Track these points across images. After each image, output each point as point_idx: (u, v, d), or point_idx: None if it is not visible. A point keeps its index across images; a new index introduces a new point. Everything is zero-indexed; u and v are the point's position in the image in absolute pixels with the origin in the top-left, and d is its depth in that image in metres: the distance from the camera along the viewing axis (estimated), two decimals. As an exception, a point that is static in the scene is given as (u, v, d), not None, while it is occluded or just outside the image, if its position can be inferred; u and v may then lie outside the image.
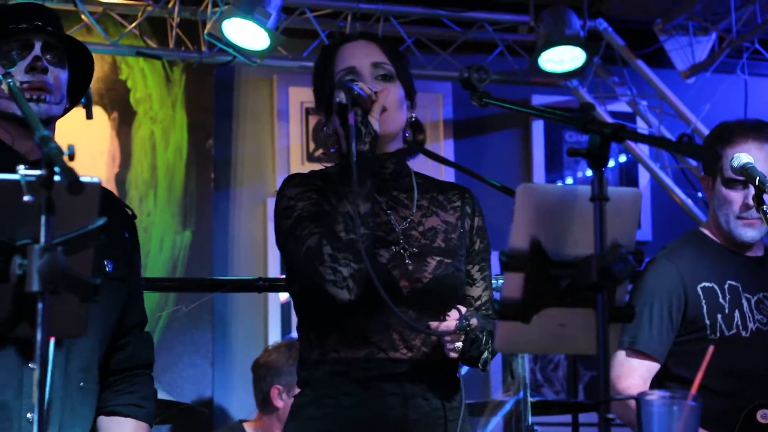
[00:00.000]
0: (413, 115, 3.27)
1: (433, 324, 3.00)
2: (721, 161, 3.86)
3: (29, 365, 3.06)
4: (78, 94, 3.35)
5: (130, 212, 3.43)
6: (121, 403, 3.32)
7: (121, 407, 3.32)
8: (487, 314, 3.24)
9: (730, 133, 3.91)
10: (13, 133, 3.17)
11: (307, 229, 3.06)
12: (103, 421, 3.31)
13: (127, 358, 3.35)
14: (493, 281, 4.70)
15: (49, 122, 3.19)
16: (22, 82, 3.11)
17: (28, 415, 3.05)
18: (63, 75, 3.23)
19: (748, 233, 3.90)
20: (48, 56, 3.19)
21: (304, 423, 3.14)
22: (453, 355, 3.00)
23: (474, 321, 2.99)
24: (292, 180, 3.22)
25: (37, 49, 3.18)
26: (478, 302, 3.26)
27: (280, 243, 3.17)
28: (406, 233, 3.18)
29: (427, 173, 3.39)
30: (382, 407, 3.07)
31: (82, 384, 3.19)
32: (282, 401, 5.60)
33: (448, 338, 2.99)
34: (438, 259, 3.16)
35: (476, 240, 3.28)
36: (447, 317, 2.99)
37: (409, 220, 3.20)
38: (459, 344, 2.99)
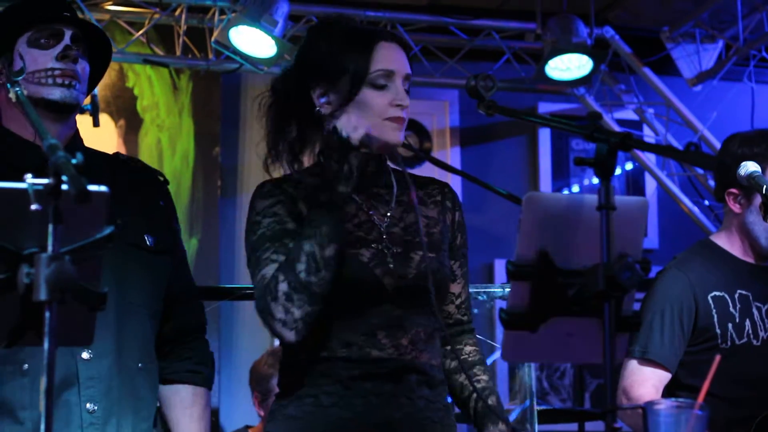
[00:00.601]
0: None
1: None
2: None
3: (82, 355, 3.09)
4: (89, 90, 3.39)
5: (162, 179, 3.45)
6: (177, 369, 3.35)
7: (176, 374, 3.35)
8: (463, 318, 3.24)
9: None
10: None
11: (267, 253, 2.99)
12: (162, 390, 3.33)
13: (179, 326, 3.37)
14: (499, 290, 4.75)
15: (75, 110, 3.24)
16: (53, 69, 3.16)
17: (88, 405, 3.07)
18: (87, 68, 3.27)
19: None
20: (75, 47, 3.22)
21: (285, 422, 3.06)
22: None
23: None
24: (262, 189, 3.15)
25: (67, 38, 3.21)
26: (458, 300, 3.23)
27: (246, 255, 3.10)
28: (388, 231, 3.11)
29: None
30: (364, 406, 3.01)
31: (140, 365, 3.20)
32: (262, 410, 5.62)
33: None
34: (421, 254, 3.08)
35: (457, 235, 3.23)
36: None
37: (389, 216, 3.14)
38: None
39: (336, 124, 3.02)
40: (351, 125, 2.94)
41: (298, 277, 2.91)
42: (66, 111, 3.20)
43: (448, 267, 3.18)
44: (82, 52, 3.24)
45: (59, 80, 3.16)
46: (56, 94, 3.16)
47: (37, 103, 3.13)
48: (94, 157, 3.35)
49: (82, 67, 3.23)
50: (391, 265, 3.06)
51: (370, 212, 3.12)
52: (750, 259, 3.97)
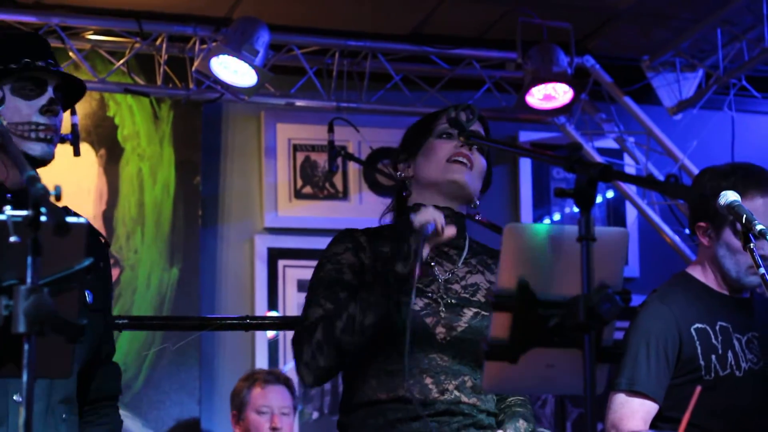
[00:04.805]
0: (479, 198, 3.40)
1: None
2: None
3: (14, 398, 3.05)
4: None
5: (103, 240, 3.39)
6: None
7: None
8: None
9: (744, 183, 3.84)
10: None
11: (318, 296, 3.20)
12: None
13: (97, 389, 3.33)
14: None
15: (48, 163, 3.19)
16: (37, 124, 3.12)
17: None
18: (62, 116, 3.22)
19: (756, 280, 3.91)
20: (57, 101, 3.17)
21: None
22: None
23: None
24: (338, 236, 3.34)
25: (50, 91, 3.17)
26: None
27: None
28: (446, 285, 3.27)
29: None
30: None
31: (64, 416, 3.17)
32: (238, 428, 5.64)
33: None
34: (475, 310, 3.25)
35: None
36: None
37: (452, 272, 3.30)
38: None
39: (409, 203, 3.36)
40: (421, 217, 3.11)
41: (334, 331, 3.10)
42: (42, 166, 3.16)
43: None
44: (62, 101, 3.21)
45: (42, 135, 3.13)
46: (37, 150, 3.13)
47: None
48: None
49: (60, 118, 3.20)
50: (443, 315, 3.21)
51: (432, 263, 3.28)
52: (725, 291, 3.97)
